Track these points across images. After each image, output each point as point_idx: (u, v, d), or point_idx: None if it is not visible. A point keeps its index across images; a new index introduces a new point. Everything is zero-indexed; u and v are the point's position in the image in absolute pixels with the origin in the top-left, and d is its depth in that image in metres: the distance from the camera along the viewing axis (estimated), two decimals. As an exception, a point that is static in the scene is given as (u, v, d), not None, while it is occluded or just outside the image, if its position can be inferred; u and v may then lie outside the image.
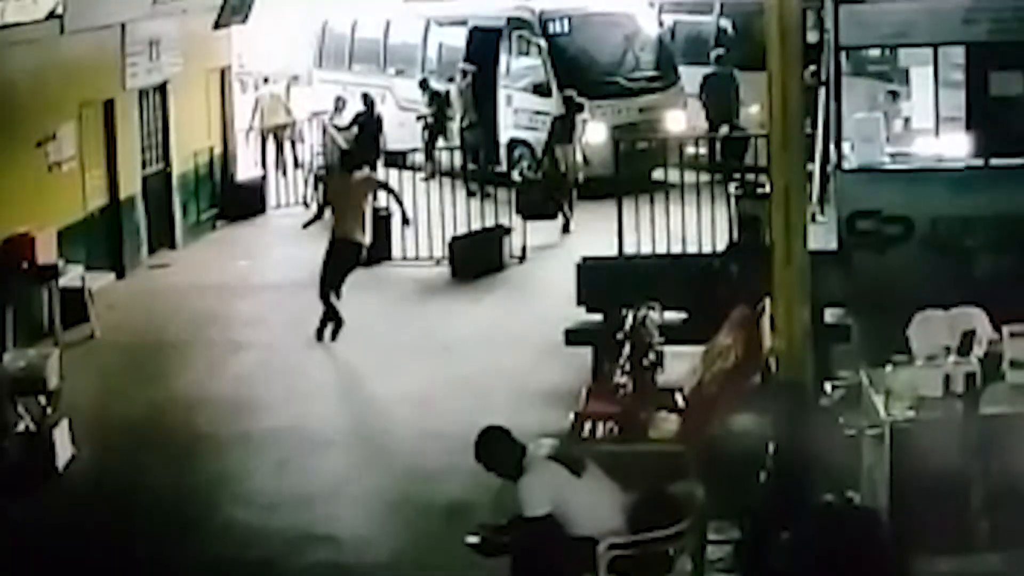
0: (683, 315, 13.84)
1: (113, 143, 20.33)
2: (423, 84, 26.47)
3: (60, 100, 18.65)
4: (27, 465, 13.05)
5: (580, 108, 22.95)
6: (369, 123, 25.35)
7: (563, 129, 22.75)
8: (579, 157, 22.41)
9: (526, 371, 15.36)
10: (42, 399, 13.74)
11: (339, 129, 25.13)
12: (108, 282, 19.31)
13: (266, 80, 30.64)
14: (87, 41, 19.17)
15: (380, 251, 20.66)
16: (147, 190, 21.44)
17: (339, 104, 26.12)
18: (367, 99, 25.66)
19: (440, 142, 25.99)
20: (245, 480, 13.18)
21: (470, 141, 25.04)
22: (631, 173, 19.37)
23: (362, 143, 24.31)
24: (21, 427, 13.42)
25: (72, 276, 17.51)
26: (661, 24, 26.72)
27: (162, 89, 22.03)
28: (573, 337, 14.87)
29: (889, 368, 10.55)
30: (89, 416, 14.21)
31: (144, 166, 21.51)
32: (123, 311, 18.55)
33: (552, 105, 24.29)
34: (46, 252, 17.17)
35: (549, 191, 22.10)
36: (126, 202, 20.70)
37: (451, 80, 26.12)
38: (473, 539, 9.37)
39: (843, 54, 16.96)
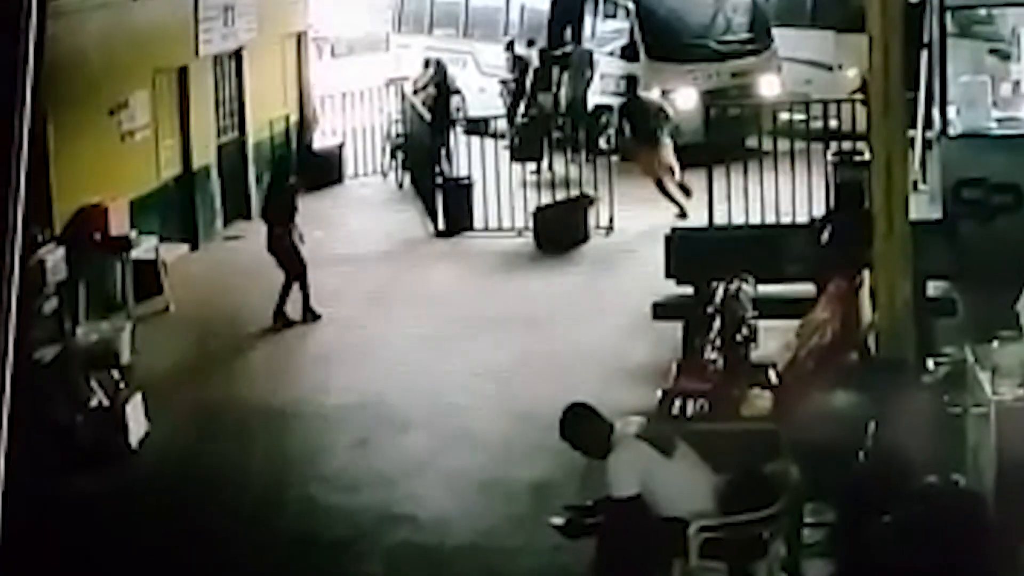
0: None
1: (187, 111, 20.18)
2: (509, 47, 26.12)
3: (133, 67, 18.50)
4: (100, 441, 12.96)
5: (555, 60, 25.09)
6: (441, 87, 25.00)
7: (544, 79, 25.04)
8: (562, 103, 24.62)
9: (613, 346, 15.12)
10: (115, 373, 13.69)
11: (415, 91, 24.84)
12: (182, 254, 19.19)
13: None
14: (160, 6, 19.09)
15: (461, 221, 20.41)
16: (222, 159, 21.33)
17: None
18: (428, 62, 25.34)
19: (522, 108, 25.66)
20: (324, 458, 13.06)
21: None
22: (722, 140, 18.98)
23: (435, 109, 23.93)
24: (94, 402, 13.32)
25: (145, 248, 17.40)
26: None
27: (237, 55, 21.89)
28: (662, 311, 14.56)
29: (996, 344, 10.33)
30: (163, 391, 14.08)
31: (219, 135, 21.39)
32: (198, 283, 18.42)
33: (641, 69, 23.86)
34: (119, 223, 17.08)
35: (538, 135, 23.45)
36: (200, 172, 20.55)
37: (530, 44, 25.74)
38: (558, 520, 9.22)
39: (948, 14, 16.46)
